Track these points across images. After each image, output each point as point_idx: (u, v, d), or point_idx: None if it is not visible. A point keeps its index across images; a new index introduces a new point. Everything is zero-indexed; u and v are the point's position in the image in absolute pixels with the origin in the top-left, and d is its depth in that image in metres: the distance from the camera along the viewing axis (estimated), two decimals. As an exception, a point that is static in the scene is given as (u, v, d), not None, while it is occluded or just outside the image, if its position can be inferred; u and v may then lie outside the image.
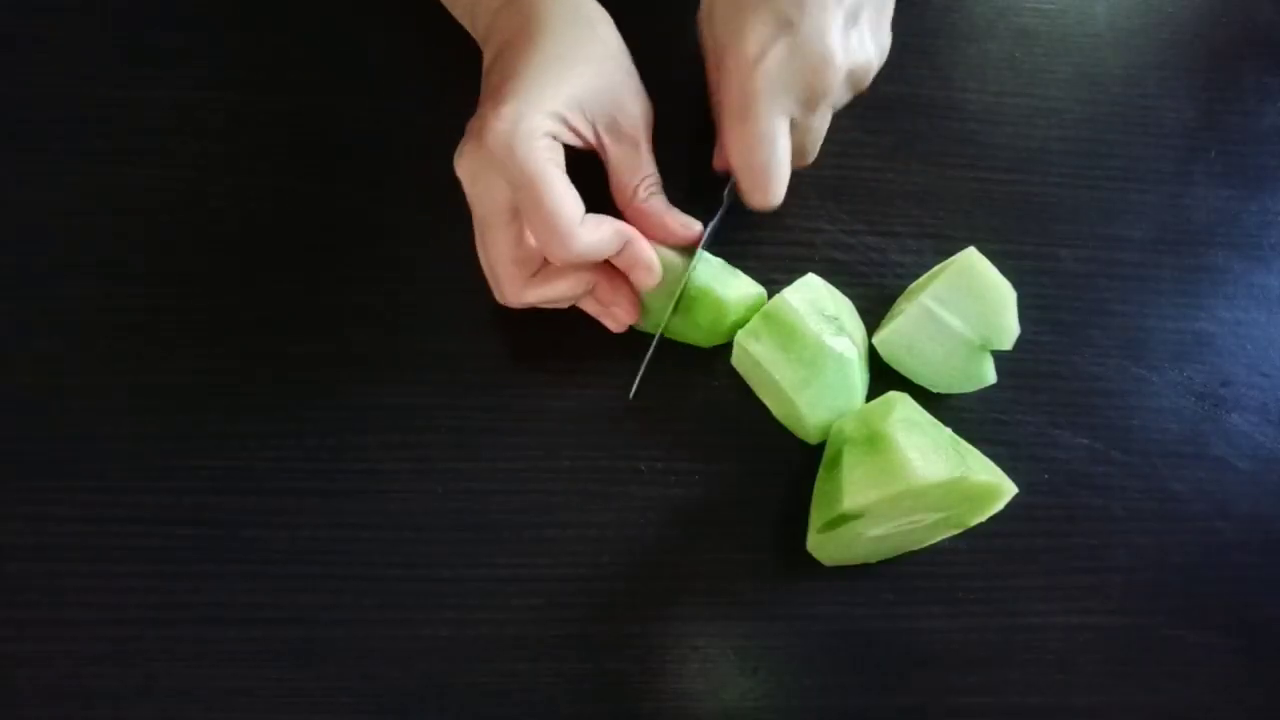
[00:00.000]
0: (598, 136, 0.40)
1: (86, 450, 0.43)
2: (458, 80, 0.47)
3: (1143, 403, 0.47)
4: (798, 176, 0.46)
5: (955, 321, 0.43)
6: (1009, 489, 0.39)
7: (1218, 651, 0.45)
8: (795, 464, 0.45)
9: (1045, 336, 0.48)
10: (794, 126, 0.41)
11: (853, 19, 0.40)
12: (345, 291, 0.45)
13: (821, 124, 0.43)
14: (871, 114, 0.46)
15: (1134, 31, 0.53)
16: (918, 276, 0.47)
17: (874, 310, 0.47)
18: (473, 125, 0.38)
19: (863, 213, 0.49)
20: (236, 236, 0.46)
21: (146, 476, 0.43)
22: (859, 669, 0.43)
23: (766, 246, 0.47)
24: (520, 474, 0.44)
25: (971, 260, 0.43)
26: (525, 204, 0.36)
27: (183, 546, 0.42)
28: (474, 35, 0.45)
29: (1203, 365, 0.48)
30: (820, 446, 0.44)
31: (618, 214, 0.41)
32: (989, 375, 0.44)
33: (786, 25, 0.38)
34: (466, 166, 0.38)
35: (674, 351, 0.45)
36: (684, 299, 0.42)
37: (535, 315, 0.43)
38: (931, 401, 0.44)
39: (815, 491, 0.43)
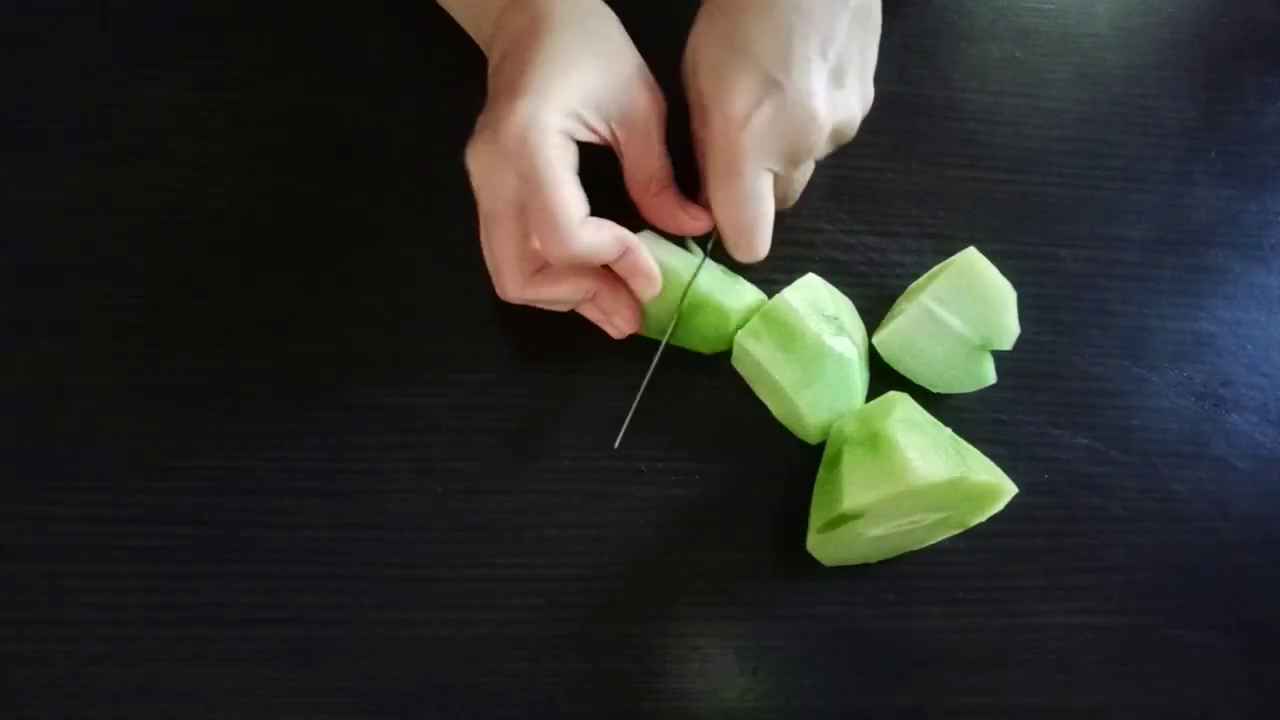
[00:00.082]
0: (611, 131, 0.40)
1: (86, 450, 0.43)
2: (458, 80, 0.47)
3: (1143, 403, 0.47)
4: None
5: (955, 321, 0.43)
6: (1009, 489, 0.39)
7: (1218, 651, 0.45)
8: (795, 464, 0.45)
9: (1045, 336, 0.48)
10: (777, 178, 0.41)
11: (838, 76, 0.40)
12: (345, 291, 0.45)
13: (804, 174, 0.44)
14: (871, 114, 0.46)
15: (1134, 31, 0.53)
16: (918, 276, 0.47)
17: (874, 310, 0.47)
18: (486, 119, 0.38)
19: (863, 213, 0.49)
20: (236, 236, 0.46)
21: (146, 476, 0.43)
22: (859, 669, 0.43)
23: (766, 246, 0.47)
24: (520, 474, 0.44)
25: (971, 260, 0.43)
26: (530, 199, 0.36)
27: (183, 546, 0.42)
28: (477, 38, 0.45)
29: (1203, 365, 0.48)
30: (820, 446, 0.44)
31: (631, 209, 0.41)
32: (989, 375, 0.44)
33: (773, 86, 0.39)
34: (480, 159, 0.38)
35: (675, 352, 0.45)
36: (685, 307, 0.42)
37: (536, 315, 0.43)
38: (931, 401, 0.44)
39: (815, 491, 0.43)
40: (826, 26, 0.39)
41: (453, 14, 0.46)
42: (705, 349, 0.45)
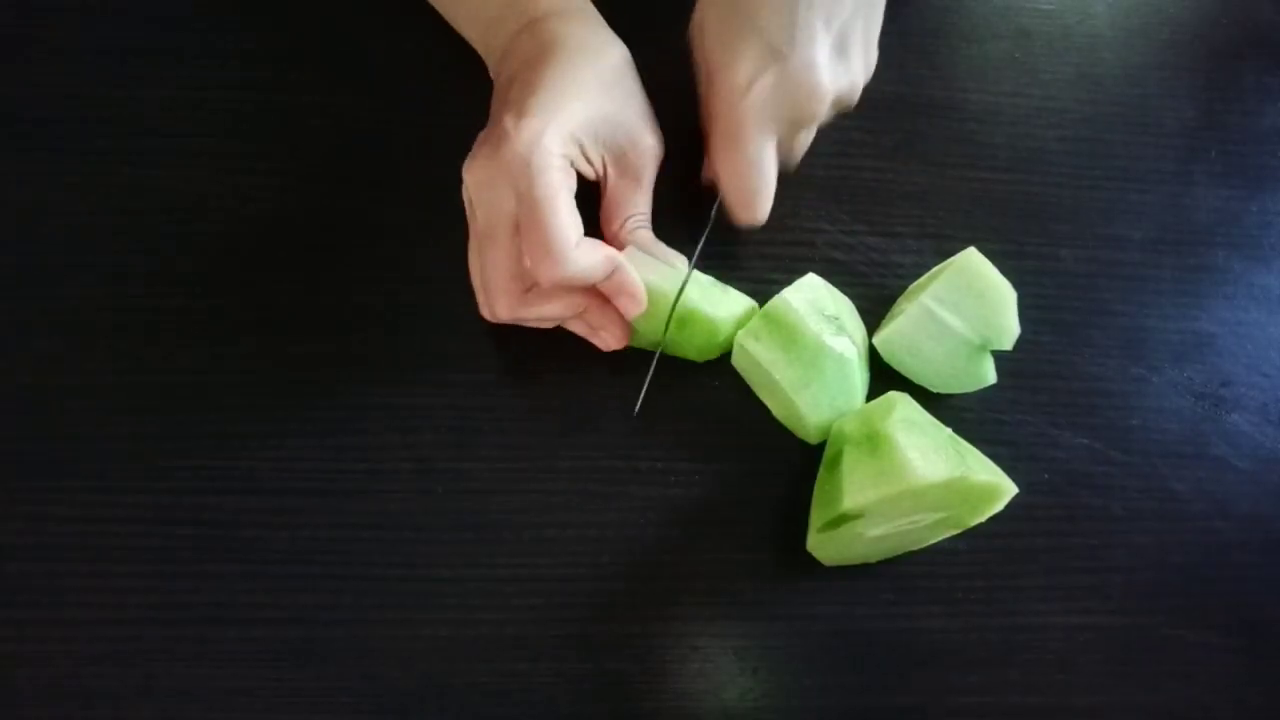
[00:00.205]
0: (604, 167, 0.41)
1: (86, 450, 0.43)
2: (458, 80, 0.47)
3: (1143, 403, 0.47)
4: (798, 177, 0.46)
5: (955, 321, 0.43)
6: (1009, 489, 0.39)
7: (1218, 651, 0.45)
8: (795, 464, 0.45)
9: (1045, 336, 0.48)
10: (779, 144, 0.42)
11: (841, 45, 0.40)
12: (345, 291, 0.45)
13: (806, 140, 0.44)
14: (871, 114, 0.46)
15: (1134, 31, 0.53)
16: (918, 276, 0.47)
17: (874, 310, 0.47)
18: (489, 135, 0.38)
19: (863, 213, 0.49)
20: (236, 236, 0.46)
21: (146, 476, 0.43)
22: (859, 669, 0.43)
23: (766, 246, 0.47)
24: (520, 474, 0.44)
25: (971, 260, 0.43)
26: (527, 221, 0.37)
27: (183, 546, 0.42)
28: (484, 56, 0.45)
29: (1203, 365, 0.48)
30: (820, 446, 0.44)
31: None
32: (989, 375, 0.44)
33: (776, 55, 0.39)
34: (478, 175, 0.38)
35: (673, 355, 0.45)
36: (675, 319, 0.42)
37: (535, 315, 0.43)
38: (931, 401, 0.44)
39: (815, 491, 0.43)
40: None
41: (459, 30, 0.46)
42: (698, 358, 0.45)
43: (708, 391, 0.46)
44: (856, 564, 0.44)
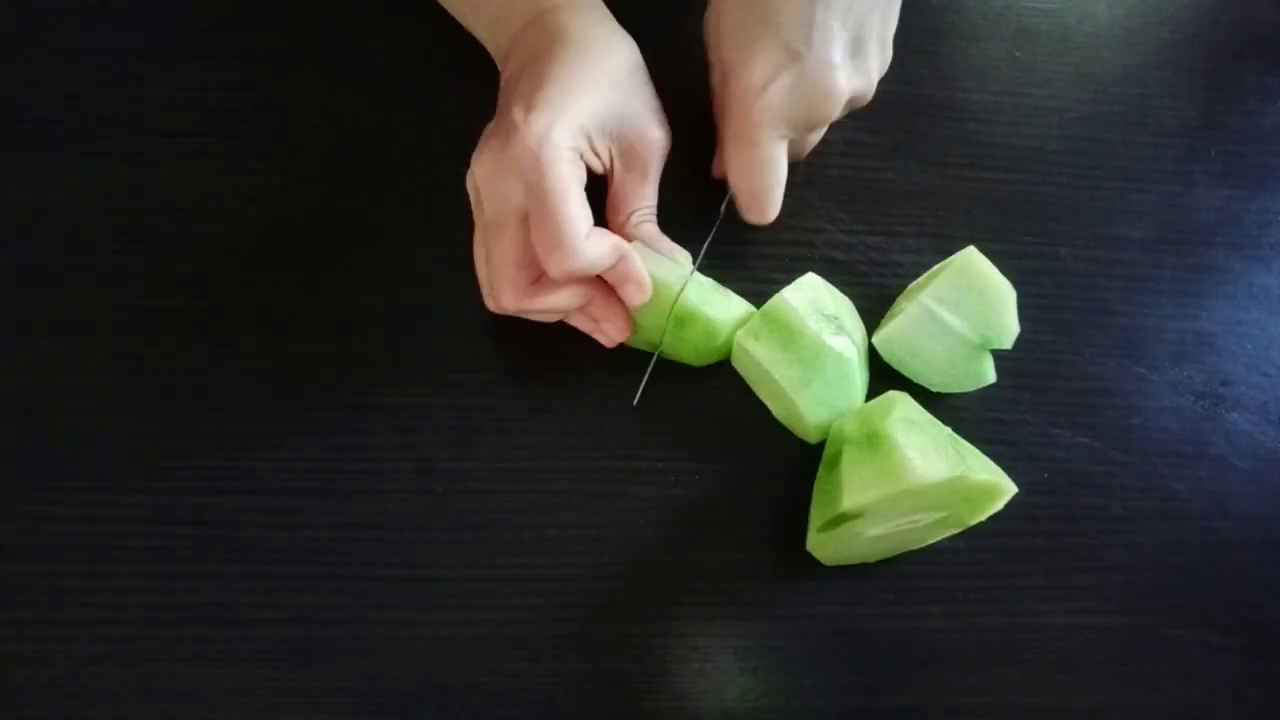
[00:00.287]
0: (611, 160, 0.41)
1: (86, 450, 0.43)
2: (458, 80, 0.47)
3: (1143, 403, 0.47)
4: (799, 177, 0.46)
5: (955, 321, 0.43)
6: (1009, 488, 0.39)
7: (1218, 651, 0.45)
8: (795, 464, 0.45)
9: (1045, 336, 0.48)
10: (791, 143, 0.42)
11: (858, 44, 0.40)
12: (345, 291, 0.45)
13: (817, 136, 0.45)
14: (871, 114, 0.46)
15: (1134, 31, 0.53)
16: (918, 276, 0.47)
17: (874, 310, 0.47)
18: (497, 128, 0.38)
19: (863, 213, 0.49)
20: (236, 236, 0.46)
21: (146, 476, 0.43)
22: (859, 669, 0.43)
23: (766, 246, 0.47)
24: (520, 474, 0.44)
25: (971, 260, 0.43)
26: (537, 213, 0.37)
27: (183, 546, 0.42)
28: (491, 50, 0.45)
29: (1203, 365, 0.48)
30: (820, 446, 0.44)
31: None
32: (989, 375, 0.44)
33: (793, 56, 0.39)
34: (486, 168, 0.38)
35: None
36: (674, 319, 0.42)
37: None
38: (931, 401, 0.44)
39: (815, 491, 0.43)
40: None
41: (465, 24, 0.46)
42: (696, 361, 0.45)
43: (707, 391, 0.46)
44: (856, 564, 0.44)
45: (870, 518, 0.40)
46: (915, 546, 0.43)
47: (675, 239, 0.44)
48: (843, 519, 0.40)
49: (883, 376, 0.45)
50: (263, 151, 0.47)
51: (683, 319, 0.42)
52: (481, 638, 0.42)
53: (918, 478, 0.38)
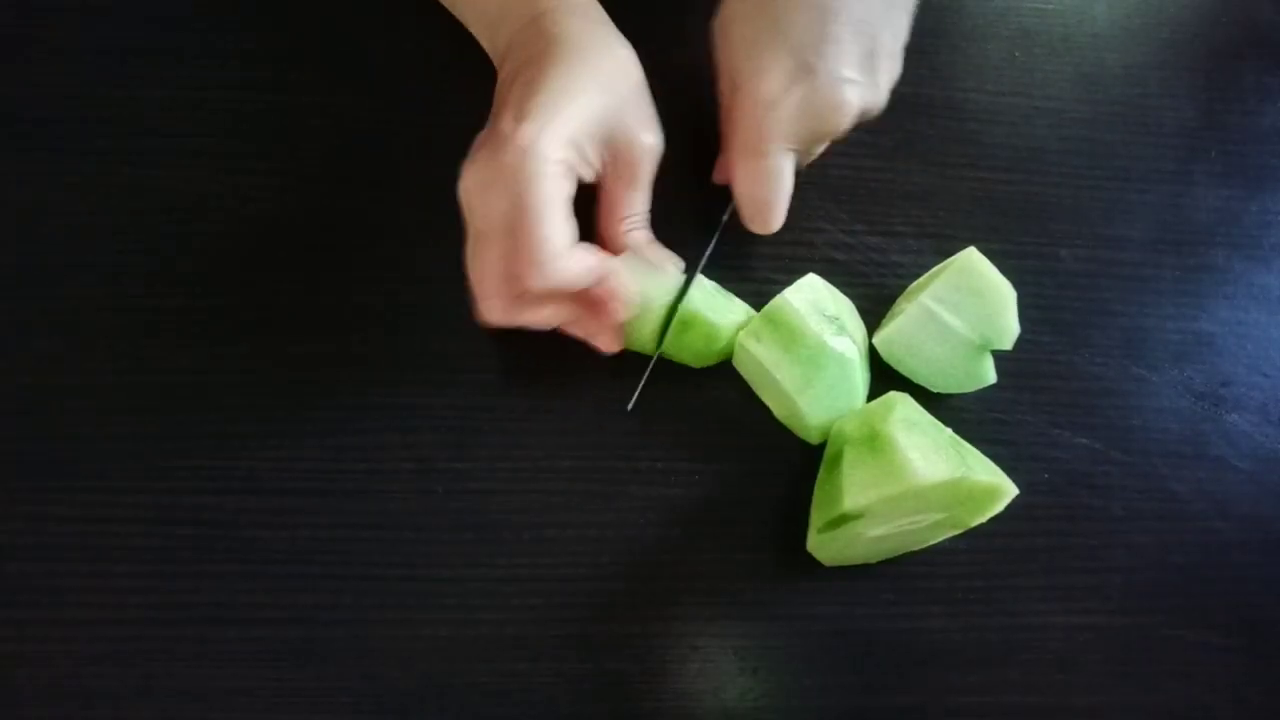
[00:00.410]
0: (603, 168, 0.40)
1: (86, 450, 0.43)
2: (458, 80, 0.47)
3: (1143, 403, 0.47)
4: (797, 177, 0.46)
5: (955, 321, 0.43)
6: (1009, 489, 0.39)
7: (1218, 651, 0.45)
8: (795, 464, 0.45)
9: (1045, 336, 0.48)
10: (798, 154, 0.42)
11: (869, 57, 0.40)
12: (345, 291, 0.45)
13: (822, 148, 0.45)
14: (871, 114, 0.46)
15: (1134, 31, 0.53)
16: (918, 276, 0.47)
17: (874, 310, 0.47)
18: (487, 137, 0.38)
19: (863, 213, 0.49)
20: (236, 236, 0.46)
21: (146, 476, 0.43)
22: (859, 669, 0.43)
23: (766, 246, 0.47)
24: (520, 474, 0.44)
25: (971, 260, 0.43)
26: (517, 225, 0.36)
27: (183, 546, 0.42)
28: (489, 51, 0.45)
29: (1203, 365, 0.48)
30: (820, 446, 0.44)
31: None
32: (989, 375, 0.44)
33: (805, 69, 0.39)
34: (475, 177, 0.37)
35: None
36: (676, 322, 0.42)
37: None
38: (931, 401, 0.44)
39: (815, 491, 0.43)
40: (861, 6, 0.39)
41: (465, 23, 0.46)
42: (696, 364, 0.45)
43: (708, 392, 0.46)
44: (856, 564, 0.44)
45: (871, 518, 0.40)
46: (916, 547, 0.43)
47: (675, 244, 0.44)
48: (843, 520, 0.40)
49: (883, 377, 0.45)
50: (263, 151, 0.47)
51: (684, 323, 0.42)
52: (481, 638, 0.42)
53: (919, 479, 0.38)
